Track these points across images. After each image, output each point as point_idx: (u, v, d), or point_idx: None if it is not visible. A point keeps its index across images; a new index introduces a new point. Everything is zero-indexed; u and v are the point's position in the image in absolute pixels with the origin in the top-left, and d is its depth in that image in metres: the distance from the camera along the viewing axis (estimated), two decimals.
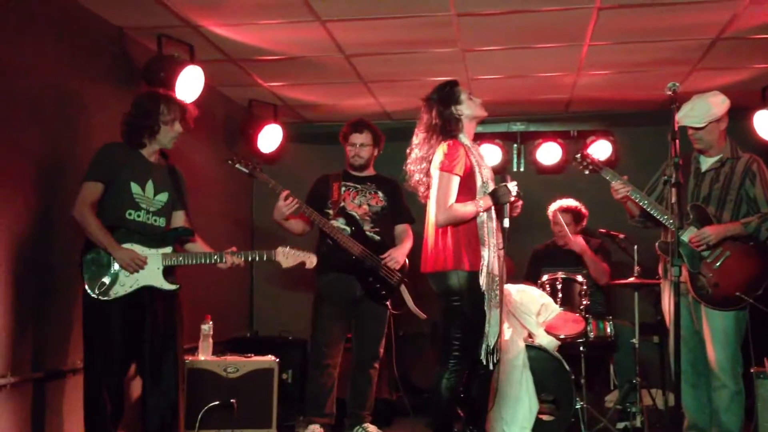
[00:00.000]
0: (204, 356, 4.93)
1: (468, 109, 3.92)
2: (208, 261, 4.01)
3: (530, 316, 4.88)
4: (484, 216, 3.80)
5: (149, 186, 3.95)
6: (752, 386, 4.70)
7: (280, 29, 4.77)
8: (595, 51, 5.14)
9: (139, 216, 3.89)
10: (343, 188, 4.97)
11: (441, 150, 3.80)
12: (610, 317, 5.25)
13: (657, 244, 4.38)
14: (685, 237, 4.17)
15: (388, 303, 4.95)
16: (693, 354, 4.28)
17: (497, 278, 3.80)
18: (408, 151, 4.01)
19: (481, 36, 4.93)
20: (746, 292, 4.11)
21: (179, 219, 4.14)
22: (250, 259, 4.10)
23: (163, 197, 4.01)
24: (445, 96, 3.92)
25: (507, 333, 4.63)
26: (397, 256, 4.86)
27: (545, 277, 5.28)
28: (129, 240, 3.81)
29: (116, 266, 3.76)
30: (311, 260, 4.23)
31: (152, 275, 3.85)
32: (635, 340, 5.05)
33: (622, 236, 5.43)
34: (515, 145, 7.06)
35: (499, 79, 5.89)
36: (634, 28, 4.75)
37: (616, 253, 5.76)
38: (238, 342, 5.93)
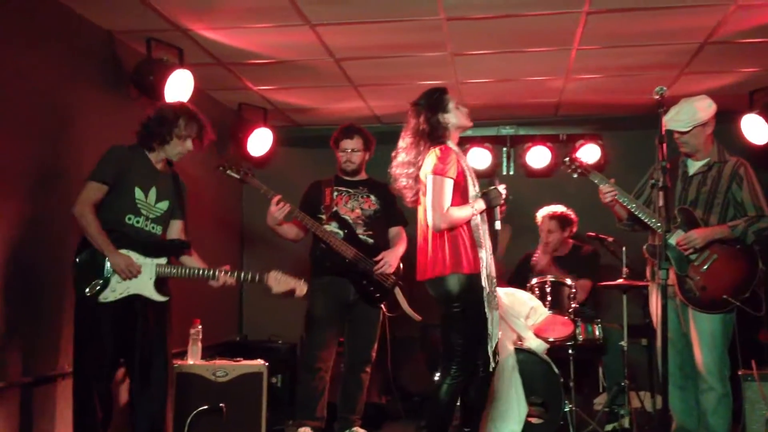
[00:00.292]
0: (193, 360, 4.91)
1: (454, 118, 3.93)
2: (200, 276, 4.01)
3: (519, 319, 4.90)
4: (477, 218, 3.82)
5: (152, 193, 3.95)
6: (739, 389, 4.73)
7: (269, 33, 4.77)
8: (584, 55, 5.16)
9: (138, 222, 3.89)
10: (336, 193, 4.98)
11: (433, 154, 3.80)
12: (599, 320, 5.27)
13: (645, 247, 4.40)
14: (673, 240, 4.19)
15: (382, 306, 4.96)
16: (681, 356, 4.30)
17: (495, 280, 3.82)
18: (393, 154, 4.01)
19: (471, 40, 4.94)
20: (733, 295, 4.14)
21: (176, 228, 4.13)
22: (242, 279, 4.08)
23: (163, 205, 4.01)
24: (433, 103, 3.92)
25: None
26: (390, 260, 4.87)
27: (534, 281, 5.29)
28: (126, 246, 3.80)
29: (110, 270, 3.75)
30: (301, 288, 4.21)
31: (143, 284, 3.84)
32: (624, 343, 5.08)
33: (610, 239, 5.45)
34: (505, 149, 7.08)
35: (488, 83, 5.91)
36: (623, 33, 4.78)
37: (604, 256, 5.78)
38: (227, 346, 5.93)
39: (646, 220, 4.26)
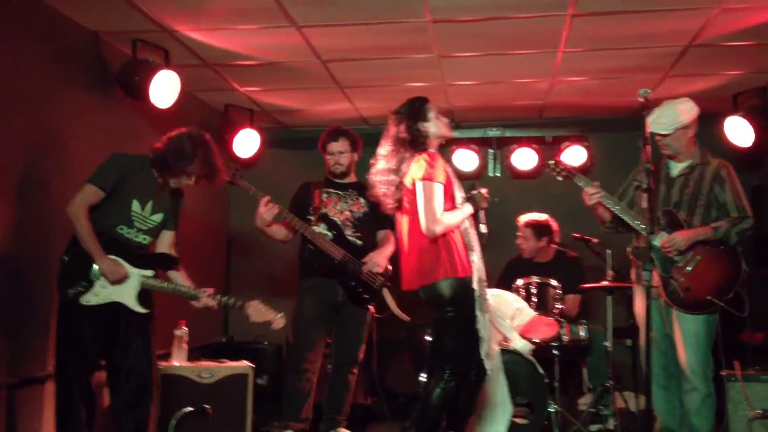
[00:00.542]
0: (178, 362, 4.90)
1: (434, 127, 3.93)
2: (183, 294, 4.00)
3: (504, 320, 4.91)
4: (467, 222, 3.83)
5: (149, 205, 3.94)
6: (722, 389, 4.76)
7: (256, 35, 4.77)
8: (570, 58, 5.19)
9: (129, 233, 3.89)
10: (325, 195, 4.98)
11: (422, 160, 3.80)
12: (584, 321, 5.29)
13: (629, 249, 4.43)
14: (657, 242, 4.22)
15: (371, 307, 4.97)
16: (665, 357, 4.33)
17: (485, 283, 3.83)
18: (372, 161, 4.01)
19: (457, 42, 4.96)
20: (717, 295, 4.17)
21: (167, 239, 4.12)
22: (223, 304, 4.08)
23: (158, 217, 4.00)
24: (414, 111, 3.93)
25: None
26: (378, 260, 4.87)
27: (520, 282, 5.31)
28: (116, 252, 3.79)
29: (95, 274, 3.74)
30: (278, 322, 4.18)
31: (126, 294, 3.83)
32: (608, 344, 5.11)
33: (595, 241, 5.48)
34: (491, 151, 7.10)
35: (474, 85, 5.93)
36: (608, 36, 4.80)
37: (590, 257, 5.81)
38: (213, 347, 5.91)
39: (630, 222, 4.29)
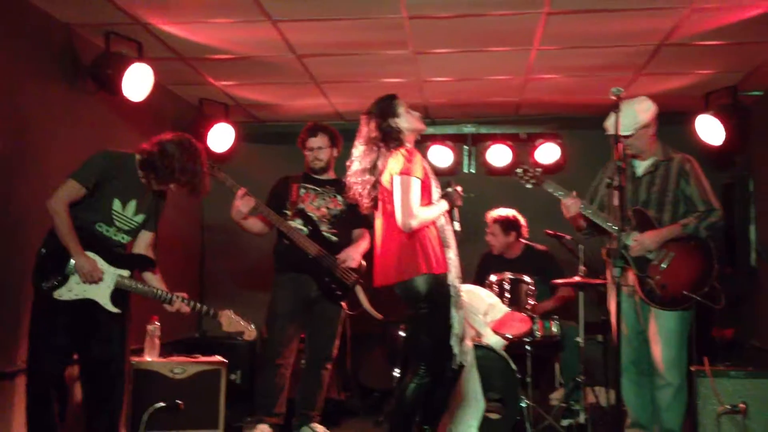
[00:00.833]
0: (150, 357, 4.88)
1: (406, 122, 3.94)
2: (157, 298, 3.98)
3: (478, 315, 4.94)
4: (443, 219, 3.84)
5: (131, 205, 3.92)
6: (692, 385, 4.83)
7: (230, 28, 4.74)
8: (544, 55, 5.22)
9: (108, 231, 3.86)
10: (302, 190, 4.97)
11: (399, 156, 3.80)
12: (557, 317, 5.33)
13: (603, 250, 4.46)
14: (629, 241, 4.26)
15: (343, 304, 4.97)
16: (636, 353, 4.37)
17: (460, 279, 3.84)
18: (348, 163, 4.01)
19: (433, 39, 4.97)
20: (693, 290, 4.22)
21: (146, 239, 4.11)
22: (196, 310, 4.06)
23: (139, 218, 3.99)
24: (383, 109, 3.93)
25: None
26: (353, 255, 4.88)
27: (493, 278, 5.34)
28: (94, 249, 3.77)
29: (70, 269, 3.71)
30: (250, 334, 4.21)
31: (100, 292, 3.80)
32: (580, 339, 5.15)
33: (568, 237, 5.52)
34: (466, 147, 7.13)
35: (450, 82, 5.95)
36: (582, 34, 4.84)
37: (563, 254, 5.85)
38: (185, 343, 5.89)
39: (605, 226, 4.32)
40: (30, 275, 3.73)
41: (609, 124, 4.22)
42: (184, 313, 4.05)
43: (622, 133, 4.20)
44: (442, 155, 6.80)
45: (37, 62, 4.40)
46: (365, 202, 3.97)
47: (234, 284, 6.68)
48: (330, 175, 5.10)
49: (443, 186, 3.95)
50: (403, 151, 3.81)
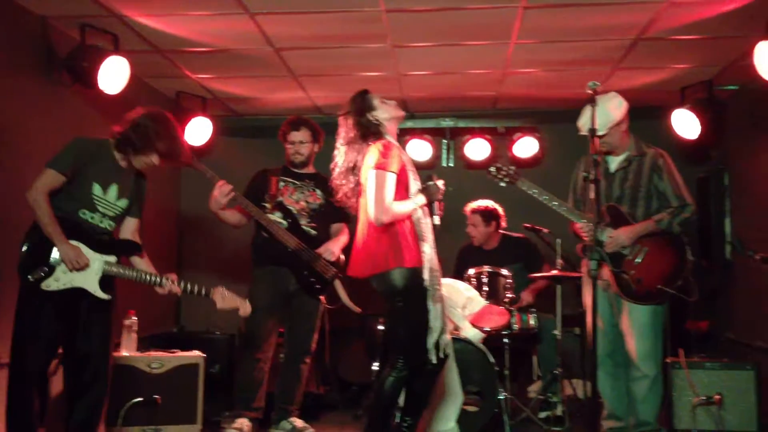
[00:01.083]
0: (127, 352, 4.85)
1: (384, 112, 3.94)
2: (147, 281, 3.96)
3: (456, 309, 4.95)
4: (419, 212, 3.83)
5: (113, 189, 3.89)
6: (667, 376, 4.88)
7: (208, 21, 4.72)
8: (522, 49, 5.23)
9: (92, 218, 3.83)
10: (282, 183, 4.96)
11: (375, 149, 3.80)
12: (534, 309, 5.37)
13: (580, 247, 4.49)
14: (604, 237, 4.29)
15: (322, 298, 4.96)
16: (612, 346, 4.41)
17: (437, 273, 3.84)
18: (332, 166, 4.00)
19: (411, 32, 4.96)
20: (667, 284, 4.26)
21: (131, 226, 4.08)
22: (188, 290, 4.03)
23: (123, 203, 3.96)
24: (358, 106, 3.93)
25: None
26: (333, 249, 4.89)
27: (471, 271, 5.35)
28: (78, 238, 3.74)
29: (56, 259, 3.69)
30: (245, 309, 4.17)
31: (88, 279, 3.77)
32: (557, 332, 5.19)
33: (546, 231, 5.55)
34: (444, 141, 7.14)
35: (428, 76, 5.95)
36: (559, 28, 4.85)
37: (541, 247, 5.89)
38: (164, 337, 5.86)
39: (581, 224, 4.35)
40: (9, 269, 3.71)
41: (582, 123, 4.26)
42: (176, 294, 4.01)
43: (597, 131, 4.23)
44: (420, 149, 6.80)
45: (12, 55, 4.35)
46: (353, 203, 3.98)
47: (211, 277, 6.62)
48: (309, 169, 5.09)
49: (425, 180, 3.95)
50: (379, 145, 3.81)
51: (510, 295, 5.25)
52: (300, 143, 4.98)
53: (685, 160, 6.41)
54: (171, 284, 3.97)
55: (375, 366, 5.47)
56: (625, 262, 4.32)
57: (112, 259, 3.86)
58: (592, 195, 3.47)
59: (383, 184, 3.72)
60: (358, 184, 3.90)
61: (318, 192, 4.99)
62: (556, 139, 6.74)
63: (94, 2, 4.36)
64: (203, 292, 4.05)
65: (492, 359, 4.79)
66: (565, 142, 6.45)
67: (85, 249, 3.75)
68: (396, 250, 3.73)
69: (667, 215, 4.31)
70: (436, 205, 3.88)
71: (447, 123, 7.08)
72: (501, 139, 6.88)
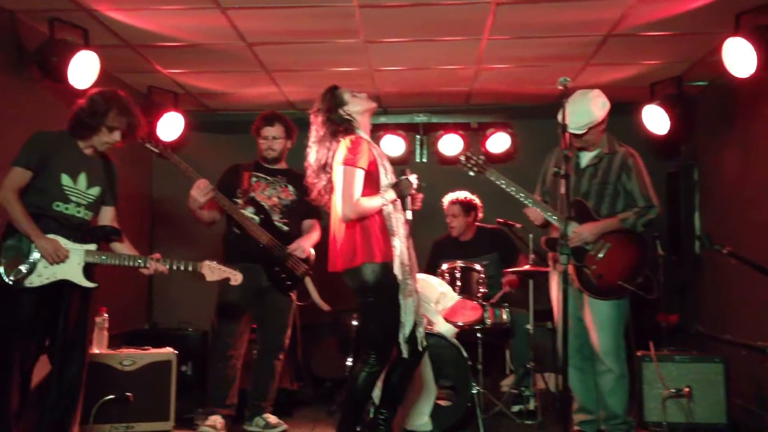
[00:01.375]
0: (98, 349, 4.81)
1: (356, 106, 3.94)
2: (131, 264, 3.94)
3: (429, 304, 4.97)
4: (390, 207, 3.83)
5: (82, 178, 3.86)
6: (638, 369, 4.93)
7: (179, 15, 4.68)
8: (494, 45, 5.25)
9: (67, 209, 3.81)
10: (254, 178, 4.94)
11: (344, 145, 3.80)
12: (507, 304, 5.40)
13: (544, 240, 4.52)
14: (570, 231, 4.32)
15: (293, 294, 4.95)
16: (579, 340, 4.45)
17: (408, 267, 3.84)
18: (306, 165, 3.99)
19: (384, 28, 4.96)
20: (628, 280, 4.30)
21: (108, 215, 4.06)
22: (174, 267, 4.01)
23: (95, 191, 3.93)
24: (328, 102, 3.93)
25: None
26: (304, 245, 4.87)
27: (444, 266, 5.37)
28: (54, 231, 3.73)
29: (36, 255, 3.67)
30: (236, 278, 4.15)
31: (71, 270, 3.76)
32: (530, 327, 5.23)
33: (518, 226, 5.59)
34: (418, 136, 7.16)
35: (401, 71, 5.95)
36: (531, 24, 4.88)
37: (513, 241, 5.93)
38: (135, 335, 5.83)
39: (547, 217, 4.38)
40: None
41: (565, 119, 4.26)
42: (163, 273, 3.99)
43: (577, 131, 4.27)
44: (394, 144, 6.82)
45: None
46: (326, 200, 3.97)
47: (181, 277, 6.58)
48: (282, 165, 5.07)
49: (399, 174, 3.95)
50: (347, 140, 3.81)
51: (483, 290, 5.28)
52: (273, 139, 4.96)
53: (655, 155, 6.49)
54: (156, 263, 3.95)
55: (349, 362, 5.47)
56: (587, 257, 4.36)
57: (92, 247, 3.85)
58: (562, 190, 3.49)
59: (351, 181, 3.73)
60: (329, 181, 3.90)
61: (290, 188, 4.97)
62: (528, 135, 6.79)
63: None
64: (190, 267, 4.03)
65: (465, 354, 4.81)
66: (537, 138, 6.50)
67: (63, 241, 3.74)
68: (366, 246, 3.74)
69: (632, 215, 4.36)
70: (408, 199, 3.88)
71: (420, 118, 7.11)
72: (474, 135, 6.92)
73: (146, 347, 4.97)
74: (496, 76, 6.05)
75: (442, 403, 4.75)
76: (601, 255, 4.33)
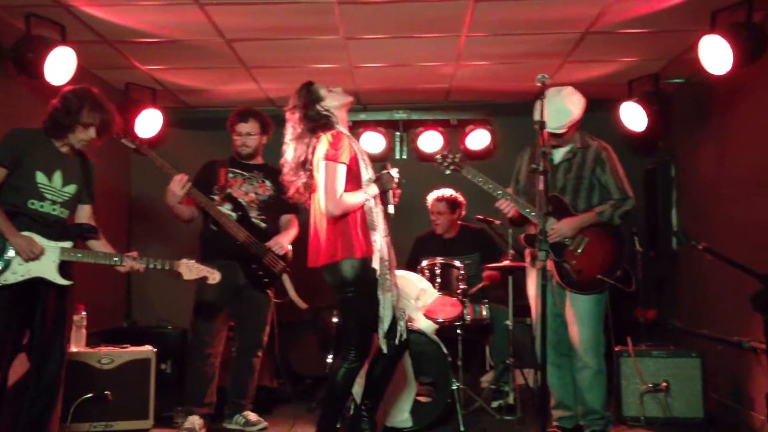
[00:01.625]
0: (76, 348, 4.78)
1: (333, 101, 3.94)
2: (107, 262, 3.91)
3: (409, 300, 4.97)
4: (371, 202, 3.83)
5: (57, 176, 3.83)
6: (615, 364, 4.98)
7: (156, 11, 4.65)
8: (473, 42, 5.26)
9: (42, 207, 3.78)
10: (231, 174, 4.92)
11: (325, 140, 3.79)
12: (486, 300, 5.42)
13: (523, 237, 4.55)
14: (548, 228, 4.34)
15: (270, 291, 4.94)
16: (556, 336, 4.47)
17: (388, 263, 3.84)
18: (281, 162, 3.98)
19: (363, 24, 4.96)
20: (607, 274, 4.34)
21: (85, 213, 4.03)
22: (151, 266, 3.99)
23: (71, 189, 3.90)
24: (304, 99, 3.92)
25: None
26: (282, 242, 4.86)
27: (424, 263, 5.38)
28: (29, 229, 3.70)
29: (10, 253, 3.65)
30: (214, 277, 4.15)
31: (46, 267, 3.74)
32: (509, 322, 5.25)
33: (497, 222, 5.61)
34: (398, 133, 7.17)
35: (381, 68, 5.95)
36: (510, 21, 4.89)
37: (493, 238, 5.95)
38: (114, 333, 5.79)
39: (525, 214, 4.40)
40: None
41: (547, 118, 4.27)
42: (139, 271, 3.96)
43: (557, 130, 4.29)
44: (374, 141, 6.82)
45: None
46: (306, 198, 3.96)
47: (159, 274, 6.55)
48: (258, 160, 5.05)
49: (378, 169, 3.95)
50: (328, 135, 3.80)
51: (463, 287, 5.29)
52: (247, 135, 4.94)
53: (633, 152, 6.54)
54: (132, 261, 3.92)
55: (329, 359, 5.47)
56: (567, 252, 4.38)
57: (68, 244, 3.82)
58: (540, 187, 3.50)
59: (334, 176, 3.72)
60: (310, 178, 3.89)
61: (267, 183, 4.96)
62: (507, 132, 6.81)
63: None
64: (167, 266, 4.02)
65: (445, 350, 4.83)
66: (516, 135, 6.51)
67: (38, 238, 3.71)
68: (346, 241, 3.74)
69: (608, 207, 4.39)
70: (390, 193, 3.89)
71: (400, 115, 7.12)
72: (454, 132, 6.94)
73: (125, 345, 4.94)
74: (476, 73, 6.06)
75: (422, 399, 4.76)
76: (579, 251, 4.36)
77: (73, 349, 4.75)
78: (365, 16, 4.77)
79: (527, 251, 4.62)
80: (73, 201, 3.94)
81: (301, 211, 4.79)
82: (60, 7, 4.53)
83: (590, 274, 4.33)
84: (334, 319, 5.53)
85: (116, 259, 3.92)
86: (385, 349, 3.81)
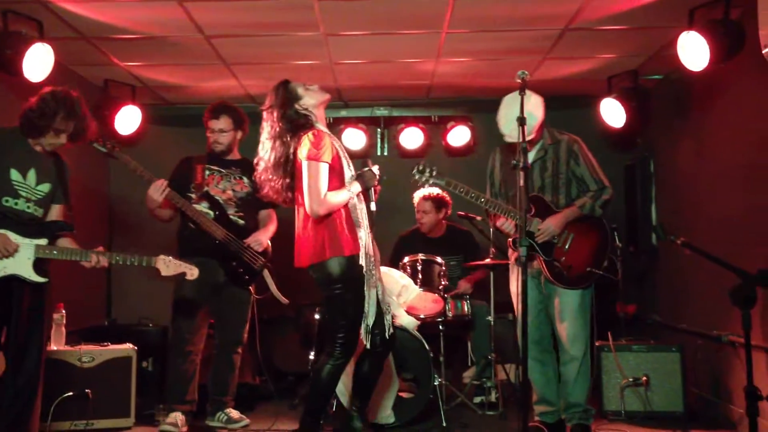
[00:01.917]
0: (56, 346, 4.74)
1: (311, 99, 3.92)
2: (77, 258, 3.88)
3: (391, 297, 4.96)
4: (355, 199, 3.83)
5: (31, 174, 3.81)
6: (597, 359, 5.01)
7: (135, 7, 4.62)
8: (453, 39, 5.27)
9: (16, 204, 3.76)
10: (207, 171, 4.88)
11: (306, 140, 3.77)
12: (468, 296, 5.43)
13: (510, 242, 4.56)
14: (533, 229, 4.37)
15: (251, 288, 4.93)
16: (539, 332, 4.50)
17: (373, 259, 3.85)
18: (256, 161, 3.95)
19: (344, 20, 4.95)
20: (595, 265, 4.38)
21: (56, 212, 4.00)
22: (128, 263, 3.97)
23: (44, 188, 3.88)
24: (281, 98, 3.89)
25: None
26: (261, 239, 4.85)
27: (406, 259, 5.39)
28: (3, 226, 3.68)
29: None
30: (192, 273, 4.13)
31: (21, 265, 3.71)
32: (491, 318, 5.27)
33: (479, 218, 5.62)
34: (379, 130, 7.18)
35: (362, 64, 5.95)
36: (489, 17, 4.90)
37: (474, 234, 5.96)
38: (94, 331, 5.75)
39: (509, 216, 4.40)
40: None
41: (507, 130, 4.28)
42: (103, 267, 3.93)
43: (528, 136, 4.25)
44: (355, 138, 6.82)
45: None
46: (281, 198, 3.94)
47: (140, 272, 6.52)
48: (235, 155, 5.02)
49: (360, 166, 3.95)
50: (310, 135, 3.79)
51: (444, 283, 5.30)
52: (220, 132, 4.89)
53: (613, 148, 6.58)
54: (97, 256, 3.89)
55: (312, 356, 5.47)
56: (556, 250, 4.40)
57: (43, 241, 3.80)
58: (521, 183, 3.50)
59: (317, 175, 3.71)
60: (292, 177, 3.87)
61: (245, 179, 4.92)
62: (488, 128, 6.74)
63: None
64: (144, 262, 4.01)
65: (427, 346, 4.84)
66: (497, 131, 6.47)
67: (13, 235, 3.69)
68: (333, 240, 3.74)
69: (588, 199, 4.42)
70: (372, 191, 3.89)
71: (381, 112, 7.12)
72: (435, 128, 6.95)
73: (105, 343, 4.92)
74: (456, 70, 6.07)
75: (405, 395, 4.77)
76: (567, 247, 4.39)
77: (53, 347, 4.72)
78: (345, 12, 4.77)
79: (513, 253, 4.61)
80: (46, 200, 3.92)
81: (280, 206, 4.79)
82: (38, 3, 4.49)
83: (580, 269, 4.36)
84: (317, 316, 5.54)
85: (82, 254, 3.88)
86: (368, 345, 3.81)
